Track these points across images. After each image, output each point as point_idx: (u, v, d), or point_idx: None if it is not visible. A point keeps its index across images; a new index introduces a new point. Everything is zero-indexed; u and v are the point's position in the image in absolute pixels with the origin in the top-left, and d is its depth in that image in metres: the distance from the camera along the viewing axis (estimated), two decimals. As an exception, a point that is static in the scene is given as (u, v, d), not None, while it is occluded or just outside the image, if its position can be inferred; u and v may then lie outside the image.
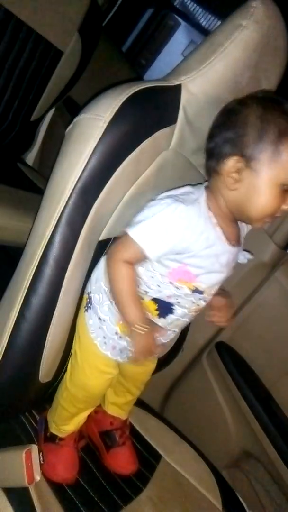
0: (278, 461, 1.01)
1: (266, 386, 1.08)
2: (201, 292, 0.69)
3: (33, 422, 0.82)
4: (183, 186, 0.71)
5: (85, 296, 0.73)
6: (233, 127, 0.63)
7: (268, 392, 1.07)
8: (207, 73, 0.67)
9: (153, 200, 0.68)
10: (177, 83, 0.68)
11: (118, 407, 0.87)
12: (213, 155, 0.66)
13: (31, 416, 0.83)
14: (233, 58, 0.67)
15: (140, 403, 1.05)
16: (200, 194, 0.67)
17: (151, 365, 0.83)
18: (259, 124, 0.61)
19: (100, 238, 0.70)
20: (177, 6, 2.48)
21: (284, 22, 0.73)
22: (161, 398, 1.22)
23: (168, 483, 0.88)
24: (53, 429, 0.78)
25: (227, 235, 0.67)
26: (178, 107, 0.68)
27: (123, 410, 0.87)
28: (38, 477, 0.67)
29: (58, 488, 0.73)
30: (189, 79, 0.68)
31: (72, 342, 0.74)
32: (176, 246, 0.63)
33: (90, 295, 0.72)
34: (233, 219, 0.69)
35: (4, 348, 0.62)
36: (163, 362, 1.04)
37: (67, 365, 0.76)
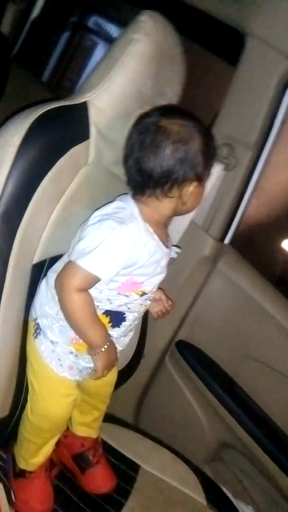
0: (253, 446, 1.04)
1: (229, 375, 1.11)
2: (146, 293, 0.72)
3: (1, 463, 0.79)
4: (111, 201, 0.72)
5: (31, 323, 0.72)
6: (184, 157, 0.65)
7: (232, 380, 1.10)
8: (109, 87, 0.70)
9: (87, 220, 0.68)
10: (83, 100, 0.70)
11: (87, 427, 0.86)
12: (164, 181, 0.67)
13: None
14: (131, 70, 0.70)
15: (110, 418, 1.04)
16: (132, 206, 0.69)
17: (112, 375, 0.83)
18: (205, 150, 0.67)
19: (34, 261, 0.70)
20: (91, 26, 2.55)
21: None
22: (132, 408, 1.22)
23: (150, 491, 0.88)
24: (22, 465, 0.76)
25: (161, 238, 0.71)
26: (88, 123, 0.70)
27: (92, 429, 0.86)
28: (6, 515, 0.64)
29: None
30: (94, 95, 0.70)
31: (23, 373, 0.72)
32: (126, 264, 0.65)
33: (37, 321, 0.72)
34: (164, 222, 0.73)
35: None
36: (127, 372, 1.04)
37: (23, 398, 0.74)
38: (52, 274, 0.72)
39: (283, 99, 0.95)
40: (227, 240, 1.15)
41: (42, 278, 0.74)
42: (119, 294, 0.69)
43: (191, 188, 0.67)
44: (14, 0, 1.46)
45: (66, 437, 0.86)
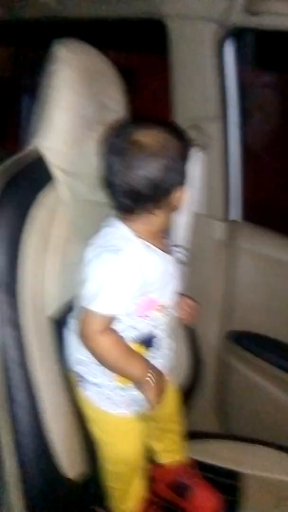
0: None
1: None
2: (166, 306, 0.71)
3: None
4: (98, 231, 0.69)
5: (71, 374, 0.72)
6: (165, 169, 0.63)
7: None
8: (51, 125, 0.71)
9: (84, 259, 0.66)
10: (32, 147, 0.71)
11: (170, 452, 0.83)
12: (151, 197, 0.64)
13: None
14: (63, 100, 0.71)
15: (194, 435, 1.00)
16: (122, 228, 0.67)
17: (170, 393, 0.79)
18: (183, 151, 0.66)
19: (48, 314, 0.70)
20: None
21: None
22: (214, 417, 1.16)
23: (260, 494, 0.82)
24: (117, 514, 0.73)
25: (161, 247, 0.69)
26: (45, 166, 0.71)
27: (176, 453, 0.83)
28: None
29: None
30: (40, 138, 0.71)
31: (83, 426, 0.71)
32: (136, 289, 0.64)
33: (74, 370, 0.71)
34: (159, 231, 0.71)
35: (16, 464, 0.60)
36: (192, 382, 1.00)
37: (94, 450, 0.72)
38: (73, 320, 0.71)
39: (224, 59, 0.93)
40: (236, 217, 1.11)
41: (63, 327, 0.73)
42: (139, 316, 0.68)
43: (181, 192, 0.66)
44: None
45: (156, 470, 0.83)
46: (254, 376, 1.06)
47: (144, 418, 0.78)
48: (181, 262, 1.06)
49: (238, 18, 0.82)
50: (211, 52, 0.90)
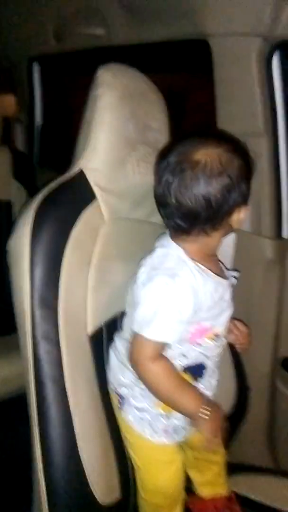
0: None
1: None
2: (219, 335, 0.68)
3: None
4: (151, 251, 0.68)
5: (114, 396, 0.71)
6: (228, 187, 0.61)
7: None
8: (95, 147, 0.73)
9: (136, 277, 0.66)
10: (77, 169, 0.73)
11: (211, 485, 0.78)
12: (211, 216, 0.61)
13: None
14: (107, 123, 0.73)
15: (241, 468, 0.94)
16: (176, 249, 0.64)
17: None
18: (246, 169, 0.63)
19: (89, 332, 0.70)
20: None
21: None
22: (264, 450, 1.08)
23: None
24: None
25: (216, 272, 0.66)
26: (90, 187, 0.73)
27: (218, 485, 0.78)
28: None
29: None
30: (85, 160, 0.73)
31: (122, 451, 0.70)
32: (191, 315, 0.62)
33: (117, 391, 0.70)
34: (214, 253, 0.69)
35: (45, 483, 0.59)
36: (238, 412, 0.95)
37: (133, 477, 0.70)
38: (119, 340, 0.70)
39: (272, 73, 0.90)
40: (286, 233, 1.05)
41: (106, 346, 0.72)
42: (192, 345, 0.65)
43: (241, 214, 0.63)
44: (17, 119, 1.65)
45: (196, 503, 0.78)
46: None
47: (185, 447, 0.75)
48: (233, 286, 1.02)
49: (285, 31, 0.80)
50: (257, 67, 0.88)
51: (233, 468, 0.90)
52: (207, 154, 0.61)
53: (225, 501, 0.77)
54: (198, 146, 0.62)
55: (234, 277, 0.74)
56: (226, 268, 0.75)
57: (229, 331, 0.75)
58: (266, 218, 1.02)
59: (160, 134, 0.82)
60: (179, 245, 0.65)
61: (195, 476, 0.78)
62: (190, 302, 0.60)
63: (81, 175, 0.72)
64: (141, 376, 0.62)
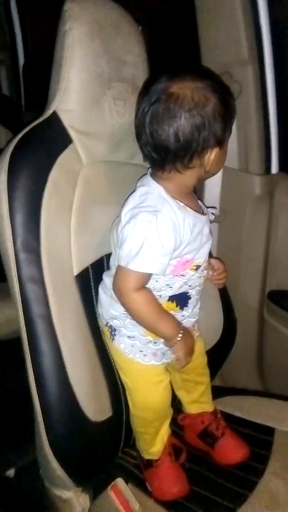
0: None
1: None
2: (201, 266, 0.72)
3: (132, 460, 0.83)
4: (133, 190, 0.69)
5: (105, 328, 0.76)
6: (200, 124, 0.61)
7: None
8: (67, 87, 0.71)
9: (120, 219, 0.68)
10: (51, 111, 0.72)
11: (198, 403, 0.85)
12: (183, 153, 0.62)
13: (129, 456, 0.84)
14: (78, 60, 0.70)
15: (232, 391, 1.01)
16: (157, 188, 0.66)
17: (197, 346, 0.80)
18: (223, 111, 0.62)
19: (75, 273, 0.73)
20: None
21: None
22: (254, 375, 1.16)
23: (291, 449, 0.82)
24: (146, 456, 0.78)
25: (194, 208, 0.69)
26: (64, 129, 0.72)
27: (204, 403, 0.85)
28: (136, 506, 0.67)
29: (175, 505, 0.72)
30: (58, 102, 0.72)
31: (113, 375, 0.76)
32: (173, 248, 0.65)
33: (109, 324, 0.75)
34: (191, 191, 0.70)
35: (40, 405, 0.67)
36: (227, 341, 1.00)
37: (124, 397, 0.77)
38: (107, 278, 0.74)
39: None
40: (274, 169, 1.04)
41: (95, 285, 0.76)
42: (175, 276, 0.69)
43: (212, 155, 0.63)
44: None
45: (185, 419, 0.86)
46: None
47: (174, 370, 0.82)
48: (216, 221, 1.03)
49: None
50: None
51: (224, 391, 0.99)
52: (181, 88, 0.60)
53: (210, 416, 0.84)
54: (175, 79, 0.61)
55: (213, 213, 0.76)
56: (204, 205, 0.76)
57: (208, 268, 0.79)
58: (253, 153, 1.00)
59: (137, 69, 0.78)
60: (159, 184, 0.66)
61: (183, 396, 0.85)
62: (172, 236, 0.63)
63: (55, 117, 0.72)
64: (125, 305, 0.67)
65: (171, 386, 0.80)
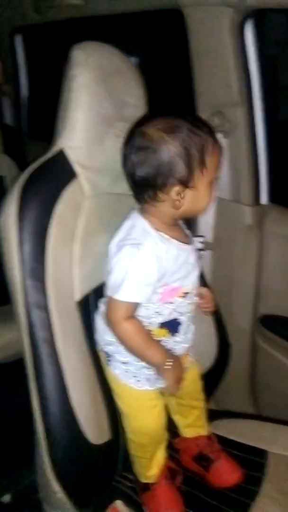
0: None
1: None
2: (189, 293, 0.75)
3: (130, 484, 0.84)
4: (121, 224, 0.74)
5: (101, 354, 0.79)
6: (159, 162, 0.65)
7: None
8: (73, 127, 0.77)
9: (110, 252, 0.72)
10: (57, 148, 0.77)
11: (193, 427, 0.87)
12: (148, 187, 0.67)
13: (127, 479, 0.85)
14: (83, 102, 0.76)
15: (226, 414, 1.04)
16: (141, 221, 0.71)
17: (192, 372, 0.84)
18: (181, 151, 0.64)
19: (76, 299, 0.77)
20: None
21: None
22: (247, 399, 1.19)
23: (283, 472, 0.84)
24: (143, 480, 0.80)
25: (179, 239, 0.73)
26: (70, 165, 0.77)
27: (199, 427, 0.88)
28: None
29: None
30: (64, 139, 0.77)
31: (111, 400, 0.79)
32: (157, 279, 0.69)
33: (104, 350, 0.78)
34: (175, 223, 0.74)
35: (43, 428, 0.69)
36: (221, 365, 1.04)
37: (121, 422, 0.80)
38: (103, 305, 0.78)
39: (245, 43, 0.92)
40: (264, 200, 1.10)
41: (95, 311, 0.80)
42: (164, 304, 0.73)
43: (173, 193, 0.66)
44: (3, 92, 1.65)
45: (181, 443, 0.88)
46: (283, 359, 1.07)
47: (169, 395, 0.84)
48: (209, 249, 1.09)
49: (254, 1, 0.81)
50: (230, 37, 0.90)
51: (217, 414, 1.01)
52: (152, 126, 0.66)
53: (205, 440, 0.87)
54: (148, 121, 0.67)
55: (201, 242, 0.81)
56: (192, 234, 0.81)
57: (198, 296, 0.82)
58: (244, 186, 1.06)
59: (137, 110, 0.84)
60: (144, 218, 0.71)
61: (179, 420, 0.88)
62: (154, 267, 0.67)
63: (61, 154, 0.77)
64: (116, 334, 0.71)
65: (167, 411, 0.83)
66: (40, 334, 0.69)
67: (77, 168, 0.78)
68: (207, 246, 0.88)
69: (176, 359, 0.74)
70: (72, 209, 0.77)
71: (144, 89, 0.87)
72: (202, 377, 0.89)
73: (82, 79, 0.75)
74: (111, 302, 0.69)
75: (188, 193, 0.67)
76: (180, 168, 0.65)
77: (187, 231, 0.79)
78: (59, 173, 0.76)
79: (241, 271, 1.12)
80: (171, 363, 0.71)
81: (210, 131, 0.68)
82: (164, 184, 0.66)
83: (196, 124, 0.66)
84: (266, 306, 1.11)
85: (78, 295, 0.77)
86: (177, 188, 0.66)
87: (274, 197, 1.11)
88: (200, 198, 0.69)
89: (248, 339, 1.14)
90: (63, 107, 0.78)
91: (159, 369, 0.72)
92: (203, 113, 0.99)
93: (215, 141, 0.68)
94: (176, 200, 0.67)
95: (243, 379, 1.17)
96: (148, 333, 0.72)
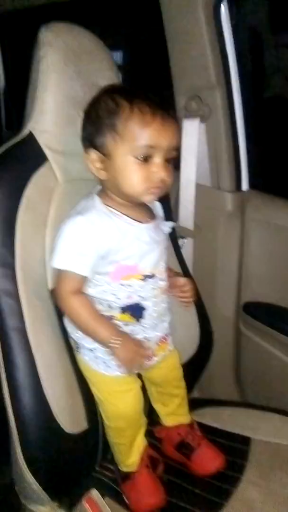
0: None
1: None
2: (151, 276, 0.72)
3: (110, 474, 0.83)
4: None
5: (71, 341, 0.77)
6: (84, 125, 0.71)
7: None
8: (42, 109, 0.74)
9: None
10: (26, 131, 0.75)
11: (174, 415, 0.86)
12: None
13: (107, 470, 0.84)
14: (52, 84, 0.74)
15: (209, 402, 1.03)
16: (93, 198, 0.71)
17: (171, 359, 0.82)
18: (93, 115, 0.67)
19: (51, 287, 0.75)
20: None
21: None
22: (232, 386, 1.18)
23: (266, 459, 0.84)
24: (123, 468, 0.79)
25: (135, 217, 0.70)
26: (39, 148, 0.75)
27: (180, 415, 0.86)
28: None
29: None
30: (33, 122, 0.75)
31: (86, 387, 0.77)
32: (99, 252, 0.67)
33: (72, 336, 0.76)
34: (133, 203, 0.71)
35: (15, 419, 0.67)
36: (204, 352, 1.02)
37: (98, 409, 0.78)
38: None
39: (221, 24, 0.90)
40: (245, 186, 1.09)
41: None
42: (120, 285, 0.70)
43: (92, 155, 0.68)
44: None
45: (162, 432, 0.87)
46: (267, 345, 1.06)
47: (150, 382, 0.83)
48: (190, 236, 1.07)
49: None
50: (205, 18, 0.89)
51: (202, 403, 1.00)
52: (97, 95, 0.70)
53: (187, 428, 0.85)
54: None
55: (171, 228, 0.80)
56: (164, 220, 0.79)
57: (172, 286, 0.80)
58: (224, 171, 1.05)
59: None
60: (98, 195, 0.71)
61: (160, 409, 0.86)
62: (89, 236, 0.66)
63: (30, 136, 0.75)
64: (63, 309, 0.70)
65: (149, 399, 0.81)
66: (10, 322, 0.67)
67: (47, 152, 0.76)
68: (188, 233, 0.86)
69: (124, 336, 0.71)
70: (43, 194, 0.75)
71: (117, 71, 0.85)
72: (185, 365, 0.88)
73: (50, 60, 0.73)
74: (58, 275, 0.68)
75: (107, 162, 0.67)
76: (89, 128, 0.68)
77: (152, 213, 0.76)
78: (28, 157, 0.74)
79: (223, 258, 1.10)
80: (119, 341, 0.69)
81: (140, 101, 0.64)
82: (85, 145, 0.69)
83: (125, 92, 0.67)
84: (249, 293, 1.10)
85: (51, 283, 0.75)
86: (94, 154, 0.68)
87: (255, 184, 1.09)
88: (121, 172, 0.66)
89: (232, 327, 1.13)
90: (31, 88, 0.76)
91: (107, 346, 0.70)
92: (181, 96, 0.98)
93: (143, 112, 0.63)
94: (96, 164, 0.68)
95: (227, 367, 1.16)
96: (94, 310, 0.70)
